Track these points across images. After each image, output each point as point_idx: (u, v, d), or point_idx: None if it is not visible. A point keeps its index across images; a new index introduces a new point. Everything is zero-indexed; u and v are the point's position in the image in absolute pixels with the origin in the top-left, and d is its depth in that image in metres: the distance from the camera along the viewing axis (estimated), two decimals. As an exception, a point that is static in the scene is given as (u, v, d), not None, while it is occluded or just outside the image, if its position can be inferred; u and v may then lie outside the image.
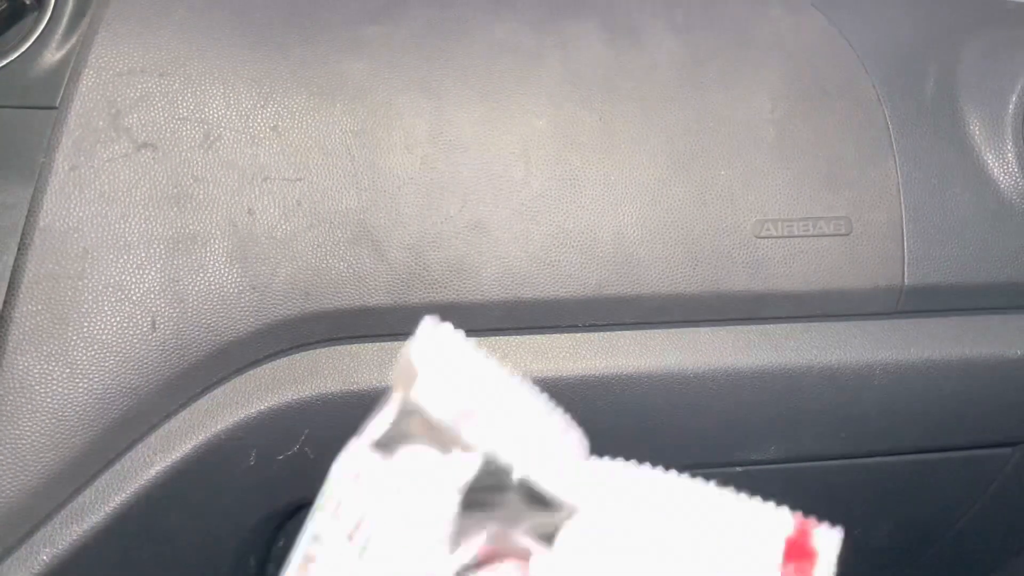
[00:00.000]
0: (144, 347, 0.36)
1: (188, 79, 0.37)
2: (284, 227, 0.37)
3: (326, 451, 0.39)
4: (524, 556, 0.25)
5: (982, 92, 0.45)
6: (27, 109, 0.37)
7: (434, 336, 0.26)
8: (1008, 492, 0.49)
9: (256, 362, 0.37)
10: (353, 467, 0.26)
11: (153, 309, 0.36)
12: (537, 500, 0.27)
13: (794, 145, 0.41)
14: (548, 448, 0.28)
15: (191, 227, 0.36)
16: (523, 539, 0.27)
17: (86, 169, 0.36)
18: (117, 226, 0.36)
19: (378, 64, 0.39)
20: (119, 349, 0.36)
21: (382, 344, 0.38)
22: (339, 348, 0.38)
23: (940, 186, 0.43)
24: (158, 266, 0.36)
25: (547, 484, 0.27)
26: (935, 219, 0.42)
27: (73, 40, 0.38)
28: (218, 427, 0.36)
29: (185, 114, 0.37)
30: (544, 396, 0.27)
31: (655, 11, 0.43)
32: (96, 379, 0.35)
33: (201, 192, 0.37)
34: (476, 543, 0.25)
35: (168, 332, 0.36)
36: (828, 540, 0.26)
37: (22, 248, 0.35)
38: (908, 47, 0.46)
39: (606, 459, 0.29)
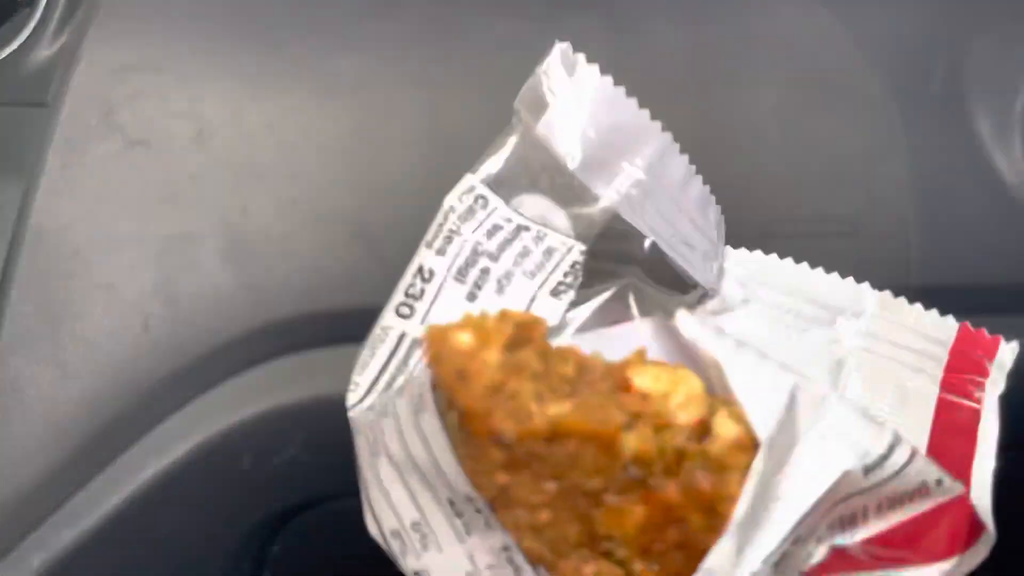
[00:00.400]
0: (137, 348, 0.35)
1: (181, 76, 0.37)
2: (279, 226, 0.37)
3: (323, 455, 0.38)
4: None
5: (991, 88, 0.44)
6: (18, 107, 0.37)
7: (569, 63, 0.23)
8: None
9: (251, 364, 0.37)
10: (465, 202, 0.24)
11: (146, 310, 0.35)
12: (664, 278, 0.25)
13: (800, 142, 0.41)
14: (684, 219, 0.26)
15: (184, 226, 0.36)
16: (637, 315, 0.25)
17: (78, 167, 0.36)
18: (109, 225, 0.36)
19: (375, 60, 0.38)
20: (111, 350, 0.35)
21: (380, 345, 0.38)
22: (336, 350, 0.38)
23: (949, 184, 0.42)
24: (151, 266, 0.36)
25: (682, 261, 0.25)
26: (944, 218, 0.42)
27: (65, 37, 0.38)
28: (212, 430, 0.36)
29: (178, 111, 0.36)
30: (688, 160, 0.25)
31: (659, 6, 0.43)
32: (88, 381, 0.35)
33: (194, 190, 0.36)
34: (589, 306, 0.24)
35: (161, 333, 0.36)
36: (1005, 352, 0.25)
37: (12, 248, 0.35)
38: (916, 42, 0.45)
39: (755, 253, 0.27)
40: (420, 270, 0.23)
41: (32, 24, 0.38)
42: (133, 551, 0.37)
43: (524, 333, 0.21)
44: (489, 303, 0.23)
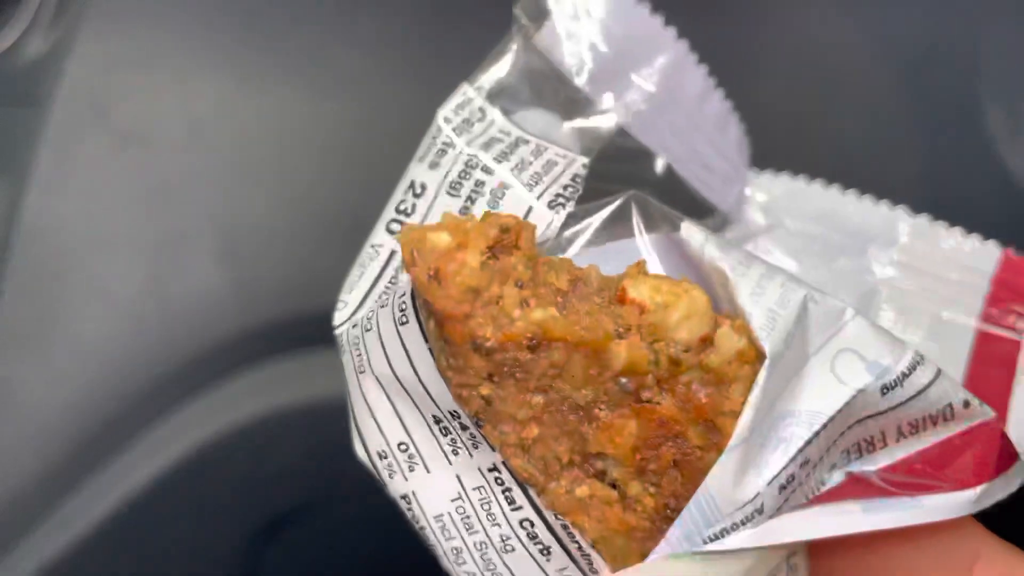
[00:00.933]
0: (129, 350, 0.35)
1: (174, 72, 0.37)
2: (273, 225, 0.36)
3: (319, 458, 0.38)
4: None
5: (1004, 85, 0.44)
6: (8, 105, 0.36)
7: None
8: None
9: (245, 365, 0.36)
10: (461, 114, 0.23)
11: (138, 310, 0.35)
12: (678, 203, 0.23)
13: (808, 140, 0.40)
14: (701, 137, 0.25)
15: (177, 225, 0.36)
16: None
17: (69, 166, 0.36)
18: (101, 225, 0.35)
19: (370, 55, 0.38)
20: (103, 352, 0.35)
21: (378, 346, 0.37)
22: (332, 351, 0.37)
23: (960, 184, 0.41)
24: (143, 266, 0.35)
25: (699, 184, 0.24)
26: (955, 219, 0.41)
27: (57, 34, 0.38)
28: (206, 432, 0.36)
29: (171, 108, 0.36)
30: (706, 72, 0.24)
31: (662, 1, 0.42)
32: (79, 382, 0.35)
33: (187, 189, 0.36)
34: (590, 223, 0.22)
35: (154, 334, 0.35)
36: None
37: (3, 248, 0.35)
38: (927, 38, 0.45)
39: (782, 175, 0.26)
40: (412, 185, 0.22)
41: (23, 21, 0.37)
42: (126, 556, 0.36)
43: (510, 238, 0.19)
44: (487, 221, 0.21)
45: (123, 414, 0.35)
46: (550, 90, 0.21)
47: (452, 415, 0.20)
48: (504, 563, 0.21)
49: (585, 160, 0.22)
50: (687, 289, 0.20)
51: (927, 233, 0.26)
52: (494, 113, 0.22)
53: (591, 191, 0.21)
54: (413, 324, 0.20)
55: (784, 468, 0.19)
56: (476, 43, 0.40)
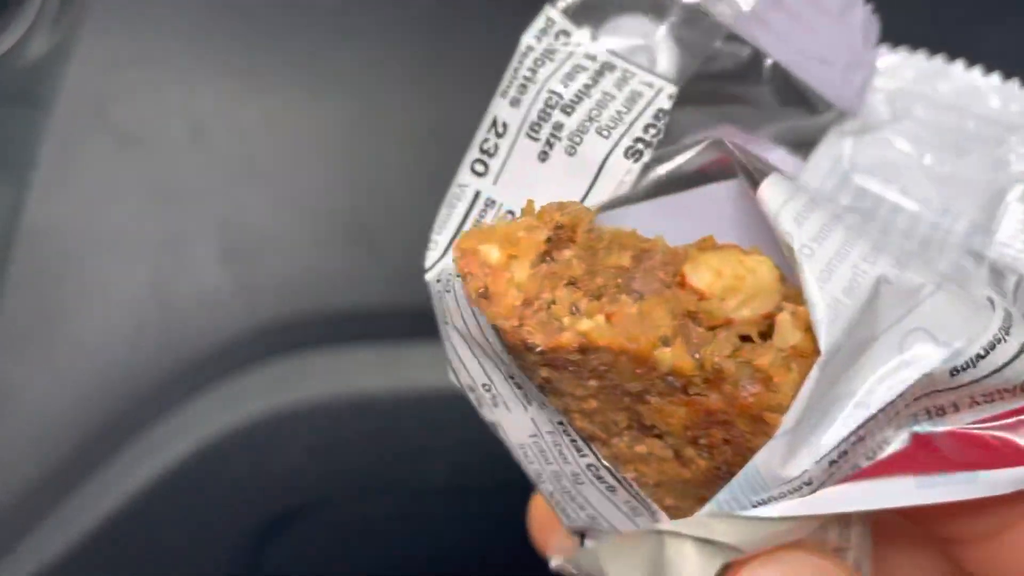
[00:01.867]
0: (130, 350, 0.35)
1: (175, 72, 0.37)
2: (275, 225, 0.36)
3: (321, 458, 0.38)
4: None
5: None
6: (10, 105, 0.36)
7: None
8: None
9: (246, 365, 0.36)
10: (544, 41, 0.22)
11: (140, 311, 0.35)
12: (795, 98, 0.22)
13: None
14: (821, 26, 0.22)
15: (178, 225, 0.36)
16: (768, 148, 0.22)
17: (71, 166, 0.36)
18: (102, 225, 0.35)
19: (374, 55, 0.38)
20: (104, 352, 0.35)
21: (378, 347, 0.37)
22: (333, 351, 0.37)
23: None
24: (145, 266, 0.35)
25: (815, 81, 0.22)
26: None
27: (58, 35, 0.38)
28: (207, 432, 0.36)
29: (173, 108, 0.36)
30: None
31: None
32: (81, 383, 0.35)
33: (189, 189, 0.36)
34: (700, 146, 0.21)
35: (155, 334, 0.35)
36: None
37: (4, 249, 0.35)
38: (925, 39, 0.44)
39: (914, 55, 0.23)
40: (494, 123, 0.21)
41: (25, 22, 0.37)
42: (126, 556, 0.36)
43: (565, 232, 0.19)
44: (560, 165, 0.21)
45: (124, 414, 0.35)
46: (641, 1, 0.20)
47: (523, 378, 0.21)
48: (577, 490, 0.22)
49: (672, 89, 0.20)
50: (753, 268, 0.19)
51: None
52: (580, 35, 0.21)
53: (683, 108, 0.20)
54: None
55: (835, 448, 0.18)
56: (477, 43, 0.40)
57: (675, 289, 0.19)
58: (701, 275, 0.19)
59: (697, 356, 0.19)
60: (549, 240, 0.19)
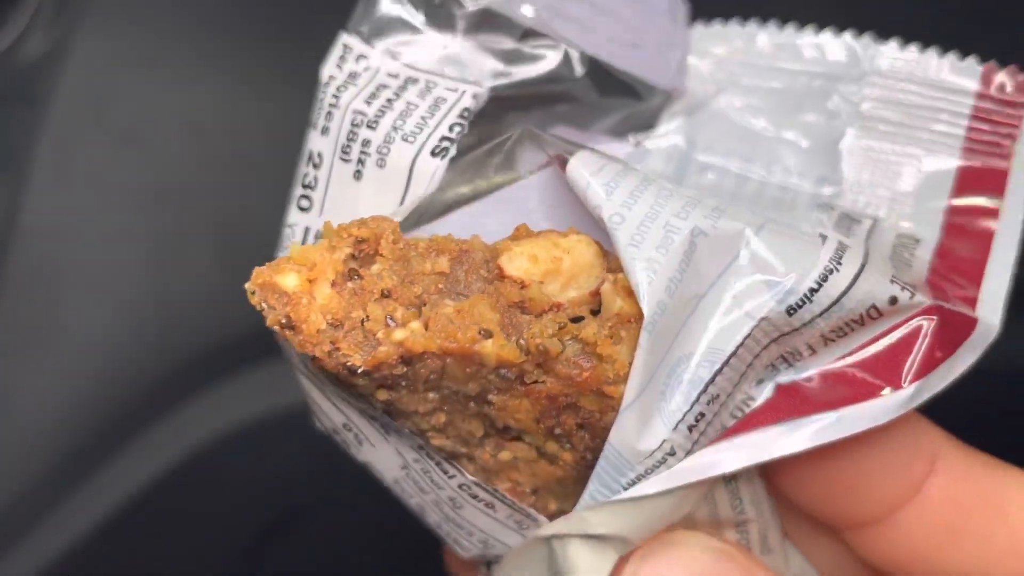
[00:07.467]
0: (127, 350, 0.35)
1: (174, 72, 0.36)
2: (274, 225, 0.36)
3: (319, 458, 0.38)
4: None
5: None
6: (7, 105, 0.36)
7: None
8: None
9: (245, 365, 0.36)
10: (345, 68, 0.22)
11: (137, 311, 0.35)
12: (620, 87, 0.22)
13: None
14: (622, 13, 0.22)
15: (177, 225, 0.36)
16: (603, 141, 0.22)
17: (69, 166, 0.35)
18: (100, 224, 0.35)
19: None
20: (102, 352, 0.35)
21: (378, 347, 0.37)
22: (333, 351, 0.37)
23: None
24: (142, 266, 0.35)
25: (628, 65, 0.22)
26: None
27: (56, 34, 0.38)
28: (206, 432, 0.36)
29: (171, 108, 0.36)
30: None
31: None
32: (78, 383, 0.35)
33: (187, 189, 0.36)
34: (511, 137, 0.21)
35: (153, 334, 0.35)
36: None
37: (1, 249, 0.35)
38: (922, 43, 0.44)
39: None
40: (310, 156, 0.21)
41: (23, 21, 0.37)
42: (126, 557, 0.36)
43: (368, 247, 0.19)
44: (373, 179, 0.21)
45: (123, 415, 0.35)
46: (435, 12, 0.20)
47: (370, 407, 0.21)
48: (459, 515, 0.22)
49: (477, 90, 0.20)
50: (569, 248, 0.19)
51: (898, 59, 0.23)
52: (378, 57, 0.21)
53: (492, 114, 0.20)
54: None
55: (689, 411, 0.18)
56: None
57: (496, 283, 0.19)
58: (517, 263, 0.19)
59: (521, 342, 0.18)
60: (352, 257, 0.19)
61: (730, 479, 0.21)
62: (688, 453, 0.19)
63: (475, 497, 0.21)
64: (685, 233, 0.19)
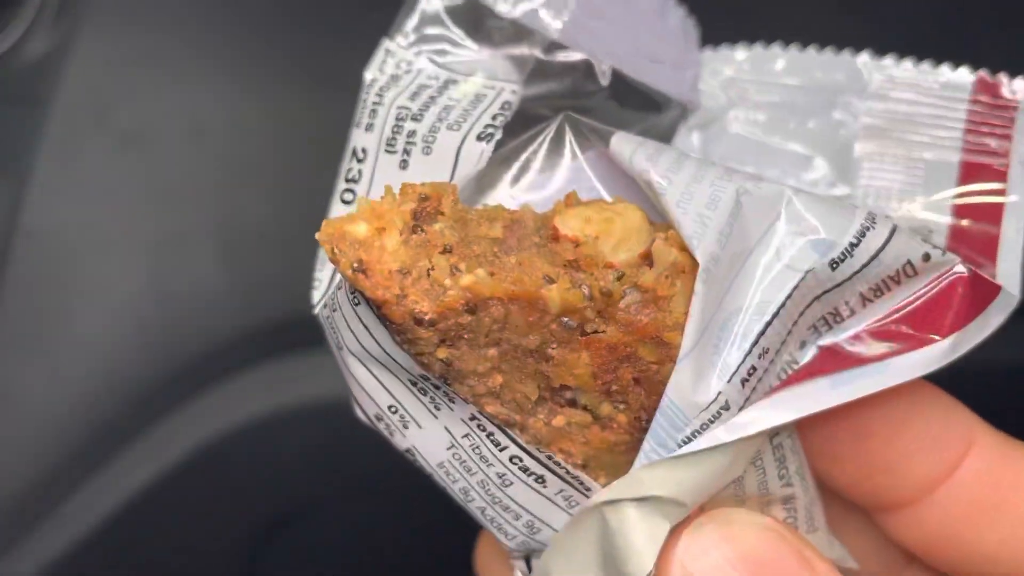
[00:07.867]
0: (129, 350, 0.35)
1: (175, 73, 0.37)
2: (274, 225, 0.36)
3: (319, 457, 0.38)
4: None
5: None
6: (9, 105, 0.36)
7: None
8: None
9: (245, 365, 0.36)
10: (387, 71, 0.23)
11: (139, 311, 0.35)
12: (640, 100, 0.23)
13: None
14: (641, 30, 0.24)
15: (178, 225, 0.36)
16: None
17: (70, 166, 0.36)
18: (101, 225, 0.35)
19: (373, 54, 0.38)
20: (103, 352, 0.35)
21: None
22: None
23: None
24: (144, 266, 0.35)
25: (648, 78, 0.23)
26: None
27: (58, 34, 0.38)
28: (206, 432, 0.36)
29: (172, 108, 0.36)
30: None
31: None
32: (79, 383, 0.35)
33: (189, 189, 0.36)
34: (522, 153, 0.22)
35: (154, 334, 0.35)
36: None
37: (3, 249, 0.35)
38: (924, 48, 0.44)
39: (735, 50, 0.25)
40: (354, 151, 0.22)
41: (25, 22, 0.37)
42: (126, 556, 0.36)
43: (431, 204, 0.20)
44: (419, 167, 0.22)
45: (123, 414, 0.35)
46: (471, 25, 0.21)
47: (423, 378, 0.21)
48: (507, 495, 0.22)
49: (514, 86, 0.22)
50: (619, 211, 0.20)
51: (896, 71, 0.24)
52: (420, 62, 0.22)
53: (525, 114, 0.21)
54: (364, 304, 0.20)
55: (742, 363, 0.19)
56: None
57: (551, 245, 0.20)
58: (571, 224, 0.20)
59: (584, 288, 0.19)
60: (416, 214, 0.19)
61: (777, 447, 0.21)
62: (740, 409, 0.19)
63: (526, 471, 0.21)
64: (731, 191, 0.19)
